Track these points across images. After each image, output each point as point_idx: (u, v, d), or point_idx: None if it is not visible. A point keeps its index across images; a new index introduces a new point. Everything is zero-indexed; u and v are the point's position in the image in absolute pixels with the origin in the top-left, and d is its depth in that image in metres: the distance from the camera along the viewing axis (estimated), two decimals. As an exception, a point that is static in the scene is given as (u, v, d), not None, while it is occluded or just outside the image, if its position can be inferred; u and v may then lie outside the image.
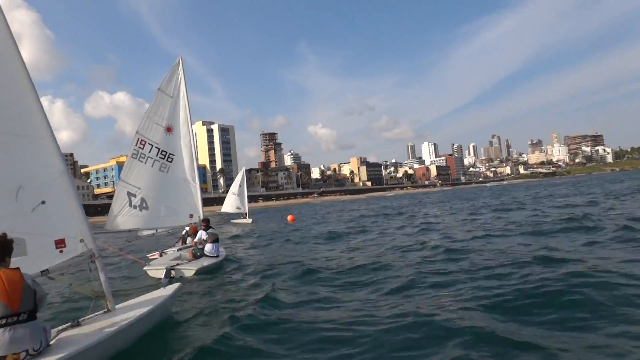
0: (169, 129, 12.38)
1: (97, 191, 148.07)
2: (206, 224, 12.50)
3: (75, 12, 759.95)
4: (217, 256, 12.07)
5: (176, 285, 7.27)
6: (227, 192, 42.37)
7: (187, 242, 13.73)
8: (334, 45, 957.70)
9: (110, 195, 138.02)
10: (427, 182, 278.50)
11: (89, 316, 5.69)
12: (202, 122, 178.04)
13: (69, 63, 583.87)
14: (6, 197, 5.28)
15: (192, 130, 13.09)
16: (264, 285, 8.96)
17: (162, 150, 12.20)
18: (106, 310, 5.90)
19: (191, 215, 12.94)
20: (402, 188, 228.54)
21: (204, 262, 11.38)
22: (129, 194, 11.60)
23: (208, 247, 11.98)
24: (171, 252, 13.52)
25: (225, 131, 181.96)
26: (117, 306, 6.08)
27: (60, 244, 5.76)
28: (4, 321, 4.13)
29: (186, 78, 13.10)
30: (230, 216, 36.71)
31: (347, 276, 9.39)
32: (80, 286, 6.23)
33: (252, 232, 25.49)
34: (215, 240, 12.21)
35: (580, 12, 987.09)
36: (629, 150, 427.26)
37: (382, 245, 14.37)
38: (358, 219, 29.40)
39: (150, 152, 11.95)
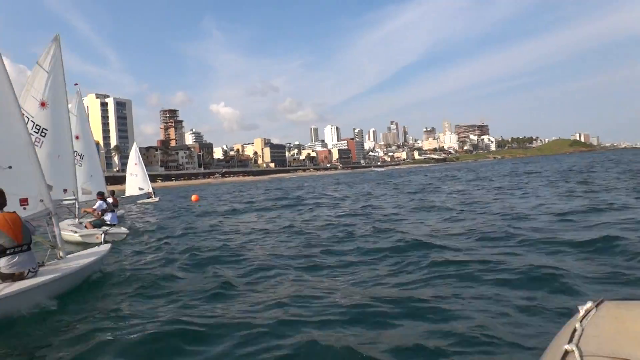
0: (43, 104, 12.40)
1: None
2: (101, 196, 14.04)
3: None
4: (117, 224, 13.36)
5: (109, 244, 8.98)
6: (122, 170, 40.37)
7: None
8: (240, 21, 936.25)
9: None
10: (329, 165, 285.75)
11: (49, 262, 7.15)
12: (96, 94, 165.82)
13: None
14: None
15: (67, 105, 13.54)
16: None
17: (36, 125, 12.33)
18: (59, 258, 7.38)
19: (65, 190, 13.45)
20: (304, 170, 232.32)
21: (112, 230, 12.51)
22: None
23: (108, 216, 13.36)
24: (68, 222, 14.18)
25: (121, 105, 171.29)
26: (67, 256, 7.57)
27: (24, 202, 7.16)
28: (12, 250, 5.86)
29: (61, 53, 13.10)
30: (136, 198, 34.28)
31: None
32: (41, 237, 7.36)
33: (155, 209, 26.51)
34: (113, 210, 13.91)
35: (477, 8, 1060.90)
36: (510, 140, 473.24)
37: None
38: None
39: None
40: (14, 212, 6.18)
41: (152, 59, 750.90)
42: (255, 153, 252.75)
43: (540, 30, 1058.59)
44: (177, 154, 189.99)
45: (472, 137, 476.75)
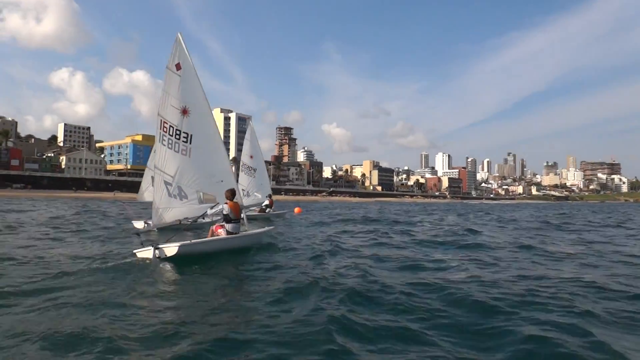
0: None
1: (109, 167, 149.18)
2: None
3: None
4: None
5: (272, 226, 15.04)
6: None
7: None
8: (360, 46, 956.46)
9: (122, 173, 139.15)
10: (437, 193, 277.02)
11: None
12: (220, 109, 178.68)
13: (93, 36, 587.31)
14: (208, 178, 12.03)
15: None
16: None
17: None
18: (246, 229, 12.34)
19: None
20: (411, 196, 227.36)
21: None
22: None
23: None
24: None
25: (242, 120, 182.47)
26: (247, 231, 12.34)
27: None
28: (235, 221, 11.33)
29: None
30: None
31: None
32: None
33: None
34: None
35: (609, 39, 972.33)
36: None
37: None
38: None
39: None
40: (236, 202, 11.54)
41: (273, 78, 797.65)
42: (363, 175, 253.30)
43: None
44: (289, 169, 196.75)
45: (600, 175, 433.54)
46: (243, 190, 24.05)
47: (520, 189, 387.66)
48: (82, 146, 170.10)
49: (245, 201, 21.08)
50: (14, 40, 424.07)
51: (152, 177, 13.87)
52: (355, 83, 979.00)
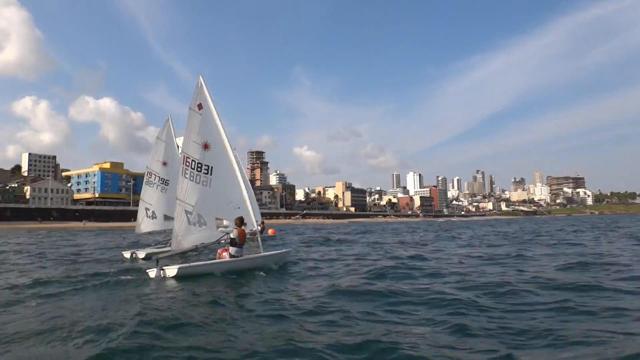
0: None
1: (76, 196, 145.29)
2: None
3: (68, 13, 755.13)
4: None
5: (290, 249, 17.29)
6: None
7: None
8: (329, 71, 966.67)
9: (89, 202, 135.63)
10: (410, 212, 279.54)
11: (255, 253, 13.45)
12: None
13: (57, 64, 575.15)
14: (226, 204, 13.24)
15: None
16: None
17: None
18: (261, 251, 13.23)
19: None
20: (384, 216, 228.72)
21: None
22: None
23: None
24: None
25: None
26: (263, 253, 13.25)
27: (244, 225, 12.76)
28: (239, 246, 12.37)
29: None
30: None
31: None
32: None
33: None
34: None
35: (569, 57, 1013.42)
36: (609, 194, 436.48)
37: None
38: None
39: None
40: (243, 229, 12.60)
41: (242, 103, 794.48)
42: (336, 196, 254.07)
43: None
44: (262, 193, 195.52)
45: (565, 189, 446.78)
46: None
47: (490, 206, 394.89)
48: (48, 175, 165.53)
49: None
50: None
51: (146, 209, 19.48)
52: (325, 107, 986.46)
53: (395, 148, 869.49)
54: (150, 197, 19.59)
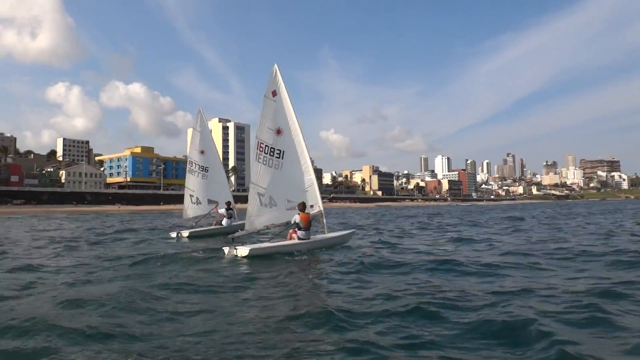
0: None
1: (109, 180, 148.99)
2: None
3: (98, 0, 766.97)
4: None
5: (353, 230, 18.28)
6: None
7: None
8: (356, 52, 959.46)
9: (122, 186, 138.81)
10: (437, 196, 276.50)
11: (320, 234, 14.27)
12: (219, 119, 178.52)
13: (88, 51, 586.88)
14: (296, 187, 13.95)
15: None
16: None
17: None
18: (325, 233, 14.28)
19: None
20: (412, 200, 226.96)
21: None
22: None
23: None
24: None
25: (240, 130, 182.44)
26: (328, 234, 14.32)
27: (312, 207, 13.85)
28: (305, 229, 12.96)
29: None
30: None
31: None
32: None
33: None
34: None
35: (604, 37, 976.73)
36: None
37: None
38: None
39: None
40: (308, 213, 13.28)
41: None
42: (363, 180, 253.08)
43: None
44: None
45: (600, 173, 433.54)
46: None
47: (520, 189, 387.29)
48: (81, 160, 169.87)
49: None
50: (9, 56, 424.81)
51: (190, 196, 21.23)
52: (352, 89, 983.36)
53: (423, 131, 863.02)
54: (193, 184, 21.13)
